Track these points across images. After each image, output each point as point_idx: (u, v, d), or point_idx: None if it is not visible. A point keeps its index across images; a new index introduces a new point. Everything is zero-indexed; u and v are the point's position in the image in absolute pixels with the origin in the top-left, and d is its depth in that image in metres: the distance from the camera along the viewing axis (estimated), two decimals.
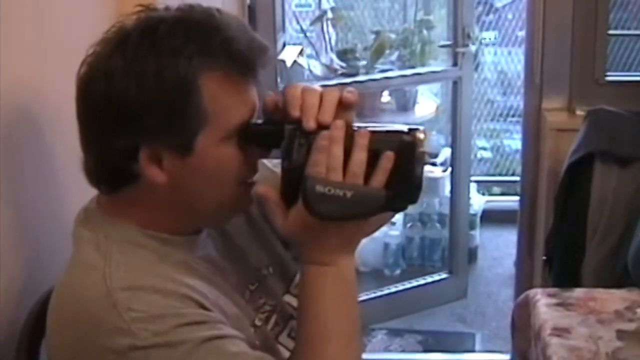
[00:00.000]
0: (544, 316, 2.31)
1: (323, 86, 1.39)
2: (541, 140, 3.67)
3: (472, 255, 4.88)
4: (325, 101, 1.33)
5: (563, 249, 3.18)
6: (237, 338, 1.32)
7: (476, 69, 4.89)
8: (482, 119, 6.17)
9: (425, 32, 4.88)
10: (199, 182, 1.36)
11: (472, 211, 4.78)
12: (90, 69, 1.33)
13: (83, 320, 1.30)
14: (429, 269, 4.75)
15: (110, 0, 2.08)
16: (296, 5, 5.29)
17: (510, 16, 6.24)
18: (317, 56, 4.89)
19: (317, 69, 4.69)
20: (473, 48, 4.22)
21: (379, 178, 1.30)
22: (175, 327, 1.26)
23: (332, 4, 5.19)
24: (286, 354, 1.51)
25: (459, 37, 4.12)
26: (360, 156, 1.30)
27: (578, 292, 2.47)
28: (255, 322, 1.50)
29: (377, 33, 4.95)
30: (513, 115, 6.12)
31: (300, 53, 4.56)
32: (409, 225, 4.82)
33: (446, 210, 4.68)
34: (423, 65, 4.77)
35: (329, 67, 4.70)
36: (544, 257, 3.30)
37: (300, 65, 4.45)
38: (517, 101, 6.02)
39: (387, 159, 1.31)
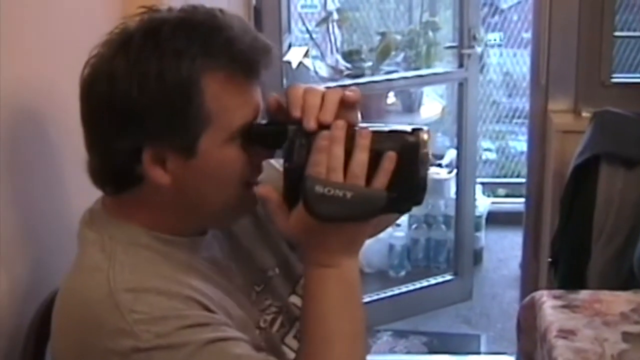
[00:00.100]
0: (549, 318, 2.31)
1: (328, 87, 1.38)
2: (547, 141, 3.67)
3: (477, 256, 4.88)
4: (327, 101, 1.32)
5: (569, 250, 3.18)
6: (241, 340, 1.31)
7: (481, 70, 4.89)
8: (488, 121, 6.16)
9: (430, 33, 4.88)
10: (202, 183, 1.35)
11: (477, 213, 4.78)
12: (93, 71, 1.33)
13: (86, 321, 1.30)
14: (434, 270, 4.75)
15: (115, 0, 2.09)
16: (302, 7, 5.29)
17: (515, 18, 6.23)
18: (322, 57, 4.90)
19: (323, 70, 4.69)
20: (479, 49, 4.22)
21: (381, 179, 1.29)
22: (178, 329, 1.25)
23: (338, 5, 5.19)
24: (292, 355, 1.49)
25: (465, 39, 4.12)
26: (361, 156, 1.29)
27: (584, 294, 2.47)
28: (260, 324, 1.49)
29: (382, 34, 4.96)
30: (519, 117, 6.12)
31: (306, 54, 4.57)
32: (414, 226, 4.82)
33: (451, 211, 4.68)
34: (428, 66, 4.78)
35: (334, 69, 4.70)
36: (550, 259, 3.30)
37: (305, 66, 4.45)
38: (523, 103, 6.02)
39: (389, 160, 1.29)
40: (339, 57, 4.80)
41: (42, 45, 1.76)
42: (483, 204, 5.08)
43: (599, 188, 3.05)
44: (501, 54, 6.31)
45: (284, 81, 3.77)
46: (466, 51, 4.13)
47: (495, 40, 6.28)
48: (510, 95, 6.27)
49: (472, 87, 4.28)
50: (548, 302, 2.40)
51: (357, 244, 1.37)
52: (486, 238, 5.11)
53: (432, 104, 5.09)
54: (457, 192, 4.52)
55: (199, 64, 1.28)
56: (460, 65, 4.20)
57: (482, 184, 5.33)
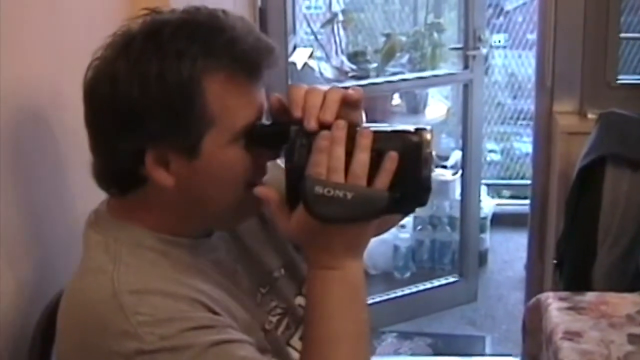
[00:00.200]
0: (555, 320, 2.31)
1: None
2: (552, 143, 3.67)
3: (482, 258, 4.88)
4: (327, 100, 1.30)
5: (574, 252, 3.18)
6: (245, 342, 1.31)
7: (486, 72, 4.89)
8: (492, 122, 6.16)
9: (435, 34, 4.89)
10: (206, 184, 1.34)
11: (482, 214, 4.78)
12: (96, 73, 1.33)
13: (91, 323, 1.29)
14: (439, 272, 4.75)
15: (123, 1, 2.09)
16: (306, 8, 5.29)
17: (520, 19, 6.23)
18: (327, 58, 4.90)
19: (328, 71, 4.70)
20: (484, 51, 4.21)
21: (383, 179, 1.27)
22: (182, 331, 1.25)
23: (343, 7, 5.20)
24: (297, 356, 1.47)
25: (470, 40, 4.11)
26: (362, 157, 1.27)
27: (590, 296, 2.46)
28: (265, 326, 1.49)
29: (387, 36, 4.97)
30: (524, 119, 6.12)
31: (311, 55, 4.57)
32: (419, 228, 4.81)
33: (456, 213, 4.67)
34: (433, 68, 4.79)
35: (339, 70, 4.71)
36: (555, 261, 3.30)
37: (310, 67, 4.46)
38: (527, 104, 6.02)
39: (391, 160, 1.28)
40: (344, 59, 4.81)
41: (47, 46, 1.76)
42: (488, 205, 5.07)
43: (605, 189, 3.04)
44: (506, 56, 6.31)
45: (289, 82, 3.76)
46: (471, 52, 4.13)
47: (499, 41, 6.28)
48: (515, 97, 6.26)
49: (477, 89, 4.28)
50: (554, 304, 2.40)
51: (360, 246, 1.35)
52: (491, 240, 5.11)
53: (437, 105, 5.10)
54: (462, 194, 4.51)
55: (200, 65, 1.28)
56: (466, 67, 4.20)
57: (487, 185, 5.32)
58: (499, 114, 6.22)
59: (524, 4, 6.24)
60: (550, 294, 2.52)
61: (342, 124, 1.29)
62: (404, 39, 4.96)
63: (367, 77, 4.56)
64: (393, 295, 4.40)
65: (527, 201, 4.22)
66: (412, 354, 4.11)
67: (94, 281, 1.32)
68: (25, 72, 1.66)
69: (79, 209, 1.63)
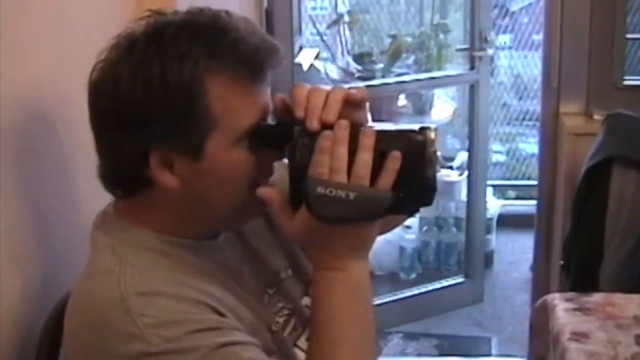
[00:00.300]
0: (562, 321, 2.30)
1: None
2: (558, 144, 3.67)
3: (488, 259, 4.87)
4: (330, 100, 1.30)
5: (580, 253, 3.18)
6: (251, 344, 1.31)
7: (492, 73, 4.89)
8: (498, 123, 6.16)
9: (441, 35, 4.89)
10: (211, 186, 1.34)
11: (488, 215, 4.78)
12: (100, 75, 1.33)
13: (97, 325, 1.29)
14: (444, 273, 4.76)
15: (129, 2, 2.09)
16: (312, 9, 5.29)
17: (525, 20, 6.22)
18: (333, 59, 4.90)
19: (334, 72, 4.70)
20: (490, 52, 4.21)
21: (386, 179, 1.26)
22: (188, 333, 1.24)
23: (349, 8, 5.20)
24: (303, 357, 1.48)
25: (476, 41, 4.11)
26: (364, 157, 1.26)
27: (596, 297, 2.46)
28: (272, 328, 1.48)
29: (393, 37, 4.97)
30: (530, 119, 6.12)
31: (317, 56, 4.57)
32: (425, 229, 4.82)
33: (462, 214, 4.68)
34: (439, 69, 4.79)
35: (345, 71, 4.71)
36: (561, 262, 3.30)
37: (316, 68, 4.46)
38: (533, 105, 6.02)
39: (393, 159, 1.26)
40: (350, 60, 4.81)
41: (52, 47, 1.76)
42: (494, 206, 5.07)
43: (611, 190, 3.04)
44: (512, 57, 6.30)
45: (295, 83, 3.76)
46: (477, 53, 4.13)
47: (504, 42, 6.28)
48: (520, 98, 6.26)
49: (483, 90, 4.28)
50: (561, 305, 2.39)
51: (364, 246, 1.34)
52: (497, 240, 5.11)
53: (443, 106, 5.10)
54: (468, 195, 4.51)
55: (202, 66, 1.27)
56: (472, 68, 4.20)
57: (493, 186, 5.32)
58: (504, 114, 6.22)
59: (530, 4, 6.23)
60: (557, 295, 2.51)
61: (344, 123, 1.28)
62: (409, 39, 4.96)
63: (373, 78, 4.56)
64: (399, 296, 4.40)
65: (533, 202, 4.22)
66: (418, 355, 4.10)
67: (100, 283, 1.32)
68: (31, 73, 1.66)
69: (84, 210, 1.63)
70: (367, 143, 1.27)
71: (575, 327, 2.27)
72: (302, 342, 1.52)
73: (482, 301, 4.53)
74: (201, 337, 1.25)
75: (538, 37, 5.93)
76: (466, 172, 4.61)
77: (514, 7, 6.27)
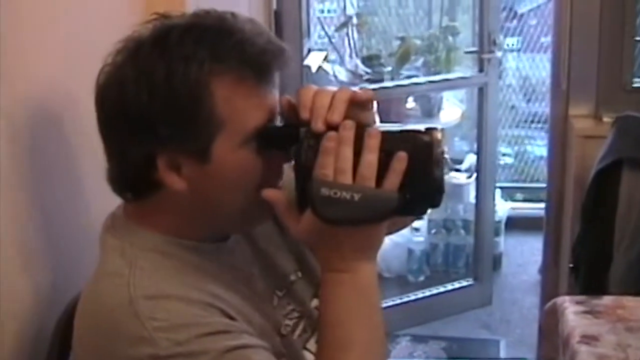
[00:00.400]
0: (572, 324, 2.30)
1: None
2: (567, 146, 3.66)
3: (496, 262, 4.86)
4: (335, 101, 1.29)
5: (590, 256, 3.17)
6: (261, 348, 1.30)
7: (500, 75, 4.89)
8: (507, 125, 6.15)
9: (450, 38, 4.88)
10: (219, 188, 1.34)
11: (496, 218, 4.77)
12: (106, 78, 1.33)
13: (106, 328, 1.29)
14: (453, 275, 4.75)
15: (139, 4, 2.09)
16: (320, 11, 5.29)
17: (533, 22, 6.22)
18: (341, 62, 4.90)
19: (342, 75, 4.70)
20: (499, 54, 4.21)
21: (391, 180, 1.26)
22: (197, 336, 1.24)
23: (357, 10, 5.20)
24: None
25: (485, 43, 4.11)
26: (369, 157, 1.25)
27: (606, 300, 2.46)
28: (281, 331, 1.48)
29: (402, 39, 4.97)
30: (538, 122, 6.11)
31: (325, 59, 4.57)
32: (433, 231, 4.81)
33: (470, 216, 4.68)
34: (448, 71, 4.78)
35: (354, 73, 4.71)
36: (571, 265, 3.29)
37: (325, 70, 4.46)
38: (542, 107, 6.01)
39: (399, 160, 1.26)
40: (359, 62, 4.81)
41: (65, 48, 1.77)
42: (502, 208, 5.07)
43: (621, 193, 3.04)
44: (521, 59, 6.29)
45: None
46: (486, 56, 4.13)
47: (512, 44, 6.27)
48: (529, 100, 6.25)
49: (492, 92, 4.28)
50: (570, 308, 2.39)
51: (372, 248, 1.34)
52: (505, 243, 5.10)
53: (452, 109, 5.09)
54: (477, 197, 4.51)
55: (207, 68, 1.27)
56: (481, 70, 4.20)
57: (501, 188, 5.31)
58: (513, 117, 6.21)
59: (538, 7, 6.23)
60: (567, 297, 2.51)
61: (349, 124, 1.27)
62: (418, 42, 4.96)
63: (381, 80, 4.56)
64: (407, 299, 4.40)
65: (541, 204, 4.22)
66: (427, 358, 4.10)
67: (109, 286, 1.32)
68: (41, 76, 1.67)
69: (94, 212, 1.63)
70: (372, 144, 1.26)
71: (585, 330, 2.27)
72: (312, 345, 1.52)
73: (490, 304, 4.53)
74: (210, 340, 1.25)
75: (546, 40, 5.92)
76: (475, 175, 4.61)
77: (522, 9, 6.26)
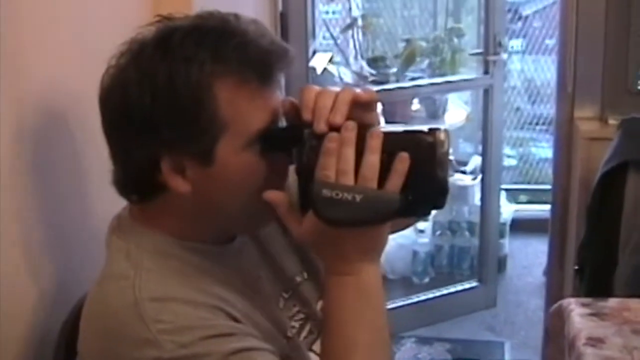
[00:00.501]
0: (578, 326, 2.29)
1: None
2: (573, 149, 3.66)
3: (501, 263, 4.87)
4: (337, 101, 1.29)
5: (595, 258, 3.17)
6: (266, 350, 1.30)
7: (504, 77, 4.89)
8: (512, 127, 6.15)
9: (455, 40, 4.88)
10: (223, 190, 1.34)
11: (501, 220, 4.77)
12: (109, 81, 1.33)
13: (111, 330, 1.29)
14: (458, 277, 4.75)
15: (146, 2, 2.09)
16: (325, 13, 5.29)
17: (537, 24, 6.21)
18: (347, 63, 4.90)
19: (347, 76, 4.70)
20: (504, 56, 4.21)
21: (394, 181, 1.25)
22: (202, 338, 1.24)
23: (362, 12, 5.20)
24: None
25: (490, 45, 4.11)
26: (371, 158, 1.25)
27: (612, 302, 2.45)
28: (287, 334, 1.48)
29: (407, 41, 4.97)
30: (543, 124, 6.11)
31: (330, 60, 4.57)
32: (438, 233, 4.81)
33: (475, 218, 4.67)
34: (453, 73, 4.78)
35: (359, 75, 4.71)
36: (576, 267, 3.29)
37: (330, 72, 4.46)
38: (546, 109, 6.01)
39: (401, 161, 1.25)
40: (364, 64, 4.81)
41: (72, 48, 1.77)
42: (507, 210, 5.07)
43: (627, 195, 3.03)
44: (526, 61, 6.29)
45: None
46: (492, 58, 4.13)
47: (517, 46, 6.27)
48: (533, 102, 6.25)
49: (497, 94, 4.28)
50: (576, 310, 2.38)
51: (375, 250, 1.33)
52: (510, 245, 5.10)
53: (456, 111, 5.09)
54: (482, 199, 4.51)
55: (209, 70, 1.27)
56: (486, 72, 4.20)
57: (506, 190, 5.31)
58: (517, 119, 6.21)
59: (543, 8, 6.22)
60: (573, 299, 2.50)
61: (351, 125, 1.27)
62: (423, 44, 4.96)
63: (386, 82, 4.56)
64: (412, 301, 4.40)
65: (545, 206, 4.21)
66: (431, 359, 4.10)
67: (115, 288, 1.32)
68: (50, 75, 1.67)
69: (99, 214, 1.64)
70: (374, 145, 1.26)
71: (591, 332, 2.26)
72: (318, 346, 1.50)
73: (495, 306, 4.53)
74: (215, 342, 1.25)
75: (550, 42, 5.92)
76: (479, 177, 4.61)
77: (526, 11, 6.26)
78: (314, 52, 4.23)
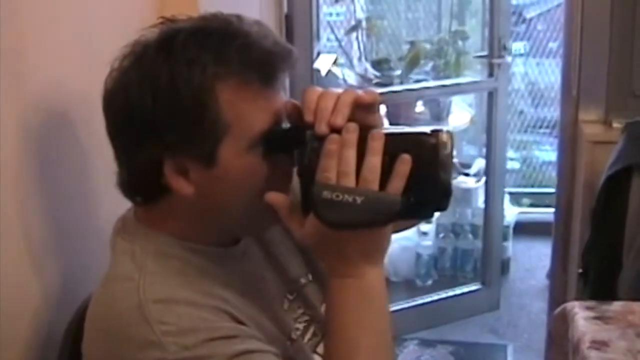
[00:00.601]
0: (582, 329, 2.29)
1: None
2: (577, 152, 3.66)
3: (504, 266, 4.87)
4: (339, 103, 1.28)
5: (599, 261, 3.16)
6: (269, 353, 1.30)
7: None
8: (515, 130, 6.15)
9: (459, 42, 4.88)
10: (226, 192, 1.33)
11: (505, 222, 4.77)
12: (112, 83, 1.33)
13: (115, 331, 1.29)
14: (461, 279, 4.75)
15: (152, 2, 2.09)
16: (329, 15, 5.30)
17: (540, 27, 6.21)
18: (351, 65, 4.90)
19: (351, 78, 4.70)
20: (509, 59, 4.21)
21: (396, 183, 1.24)
22: (206, 340, 1.24)
23: (366, 14, 5.20)
24: None
25: (495, 48, 4.11)
26: (372, 160, 1.24)
27: (616, 306, 2.44)
28: (291, 336, 1.48)
29: (411, 43, 4.97)
30: (546, 127, 6.10)
31: (335, 62, 4.58)
32: (441, 235, 4.81)
33: (479, 221, 4.67)
34: (457, 75, 4.78)
35: (363, 77, 4.71)
36: (580, 270, 3.28)
37: (334, 74, 4.46)
38: (549, 112, 6.01)
39: (403, 162, 1.24)
40: (368, 66, 4.81)
41: (77, 48, 1.77)
42: (510, 213, 5.07)
43: (631, 199, 3.03)
44: (530, 64, 6.29)
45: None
46: (496, 61, 4.12)
47: (520, 49, 6.26)
48: (537, 105, 6.24)
49: (501, 97, 4.28)
50: (580, 313, 2.38)
51: (377, 252, 1.32)
52: (513, 248, 5.10)
53: (460, 113, 5.09)
54: (486, 202, 4.51)
55: (211, 72, 1.27)
56: (490, 75, 4.19)
57: (509, 193, 5.31)
58: (521, 122, 6.21)
59: (548, 10, 6.22)
60: (577, 303, 2.50)
61: (352, 126, 1.26)
62: (427, 46, 4.96)
63: (390, 84, 4.57)
64: (415, 303, 4.40)
65: (548, 209, 4.21)
66: None
67: (119, 289, 1.32)
68: (55, 76, 1.67)
69: (104, 215, 1.64)
70: (375, 146, 1.25)
71: (595, 335, 2.26)
72: (322, 349, 1.50)
73: (498, 308, 4.53)
74: (219, 345, 1.25)
75: (554, 45, 5.92)
76: (483, 179, 4.61)
77: (530, 14, 6.26)
78: (319, 54, 4.22)
